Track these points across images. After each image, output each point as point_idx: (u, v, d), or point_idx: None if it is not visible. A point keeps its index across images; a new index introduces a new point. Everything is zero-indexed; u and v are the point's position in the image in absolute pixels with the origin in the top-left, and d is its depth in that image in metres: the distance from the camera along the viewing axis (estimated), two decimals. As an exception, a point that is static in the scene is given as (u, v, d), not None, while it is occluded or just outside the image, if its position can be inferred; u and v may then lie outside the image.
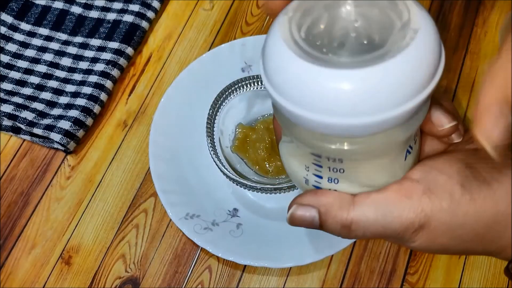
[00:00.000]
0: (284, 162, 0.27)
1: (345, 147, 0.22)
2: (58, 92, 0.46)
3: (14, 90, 0.46)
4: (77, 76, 0.47)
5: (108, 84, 0.46)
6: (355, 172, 0.23)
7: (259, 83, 0.41)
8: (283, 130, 0.26)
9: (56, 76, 0.47)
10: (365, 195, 0.23)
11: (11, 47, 0.48)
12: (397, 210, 0.22)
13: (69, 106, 0.45)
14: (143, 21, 0.48)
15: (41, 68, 0.47)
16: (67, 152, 0.44)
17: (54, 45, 0.48)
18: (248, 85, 0.41)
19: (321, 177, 0.24)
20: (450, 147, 0.26)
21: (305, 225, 0.25)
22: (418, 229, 0.22)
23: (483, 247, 0.24)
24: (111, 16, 0.49)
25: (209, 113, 0.40)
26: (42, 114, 0.44)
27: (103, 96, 0.45)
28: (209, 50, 0.48)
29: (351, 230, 0.23)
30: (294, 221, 0.25)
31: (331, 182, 0.24)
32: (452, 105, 0.25)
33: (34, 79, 0.46)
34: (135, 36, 0.48)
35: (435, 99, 0.24)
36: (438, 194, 0.22)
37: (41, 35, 0.49)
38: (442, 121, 0.24)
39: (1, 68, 0.47)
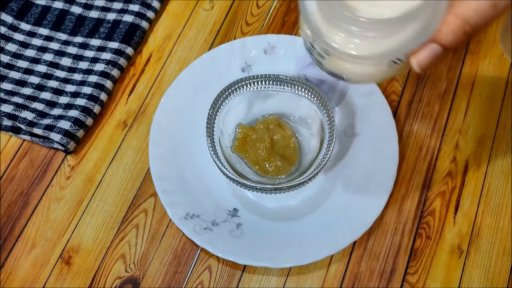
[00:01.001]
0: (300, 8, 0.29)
1: None
2: (58, 92, 0.46)
3: (14, 90, 0.46)
4: (77, 76, 0.47)
5: (108, 84, 0.46)
6: None
7: (259, 83, 0.41)
8: None
9: (56, 76, 0.47)
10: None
11: (11, 47, 0.48)
12: None
13: (69, 106, 0.45)
14: (143, 21, 0.49)
15: (41, 68, 0.47)
16: (67, 152, 0.44)
17: (54, 45, 0.48)
18: (248, 85, 0.41)
19: (314, 48, 0.28)
20: None
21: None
22: None
23: None
24: (111, 16, 0.49)
25: (209, 113, 0.40)
26: (42, 114, 0.44)
27: (103, 96, 0.45)
28: (209, 50, 0.48)
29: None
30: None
31: (320, 56, 0.28)
32: None
33: (34, 79, 0.46)
34: (135, 36, 0.48)
35: None
36: None
37: (41, 35, 0.49)
38: None
39: (1, 68, 0.47)
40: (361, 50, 0.25)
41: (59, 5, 0.50)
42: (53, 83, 0.46)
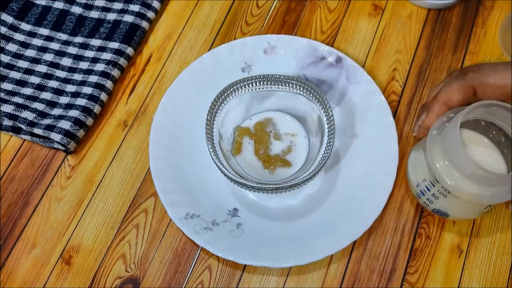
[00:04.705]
0: (409, 162, 0.40)
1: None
2: (58, 92, 0.46)
3: (14, 90, 0.46)
4: (78, 76, 0.47)
5: (108, 84, 0.46)
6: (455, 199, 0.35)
7: (257, 84, 0.41)
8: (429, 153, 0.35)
9: (57, 76, 0.47)
10: None
11: (12, 47, 0.48)
12: None
13: (69, 106, 0.45)
14: (143, 21, 0.49)
15: (42, 68, 0.47)
16: (67, 152, 0.44)
17: (55, 45, 0.48)
18: (246, 87, 0.41)
19: (429, 190, 0.37)
20: None
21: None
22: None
23: None
24: (111, 16, 0.49)
25: (207, 118, 0.40)
26: (42, 114, 0.44)
27: (103, 96, 0.45)
28: (209, 50, 0.49)
29: None
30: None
31: (434, 197, 0.37)
32: None
33: (35, 79, 0.46)
34: (135, 36, 0.48)
35: None
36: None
37: (41, 35, 0.49)
38: None
39: (2, 68, 0.47)
40: (480, 195, 0.33)
41: (59, 5, 0.50)
42: (53, 83, 0.46)
